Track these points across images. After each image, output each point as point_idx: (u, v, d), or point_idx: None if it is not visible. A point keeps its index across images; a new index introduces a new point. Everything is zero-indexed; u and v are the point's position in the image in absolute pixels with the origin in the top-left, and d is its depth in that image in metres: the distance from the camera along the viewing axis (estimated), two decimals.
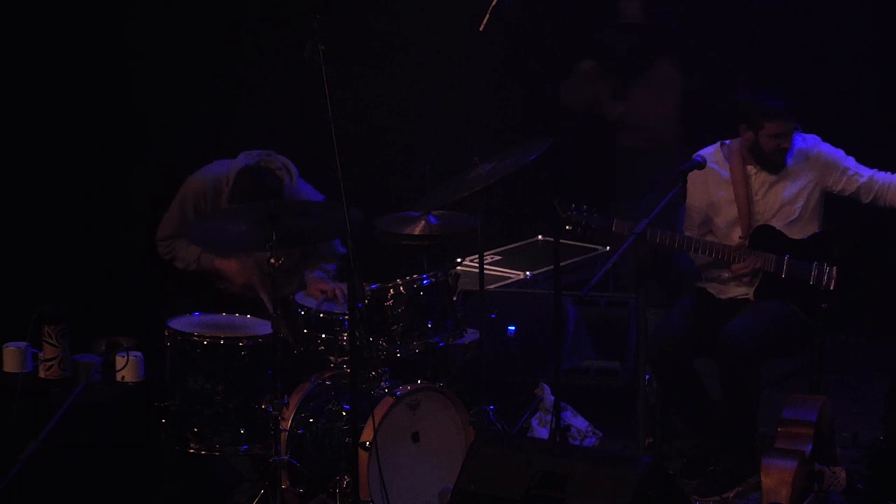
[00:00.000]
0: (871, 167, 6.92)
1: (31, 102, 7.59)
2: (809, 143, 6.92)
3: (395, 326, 6.41)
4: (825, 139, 6.96)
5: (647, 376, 6.70)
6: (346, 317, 6.24)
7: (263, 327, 6.39)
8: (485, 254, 7.18)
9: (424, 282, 6.46)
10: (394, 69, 8.35)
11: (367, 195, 6.85)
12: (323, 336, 6.46)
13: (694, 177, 6.82)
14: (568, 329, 7.38)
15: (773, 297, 6.79)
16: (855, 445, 7.04)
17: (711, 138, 7.00)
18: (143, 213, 7.21)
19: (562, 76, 8.59)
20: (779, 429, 5.97)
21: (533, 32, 8.46)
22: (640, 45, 8.47)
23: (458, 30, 7.15)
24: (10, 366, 6.51)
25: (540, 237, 8.35)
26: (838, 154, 6.92)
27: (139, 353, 6.44)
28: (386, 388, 6.36)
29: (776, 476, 5.74)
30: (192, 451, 6.34)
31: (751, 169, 6.89)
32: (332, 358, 6.48)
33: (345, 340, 6.40)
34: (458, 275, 6.69)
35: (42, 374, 6.45)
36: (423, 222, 6.76)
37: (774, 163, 6.86)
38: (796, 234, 6.86)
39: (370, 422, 6.13)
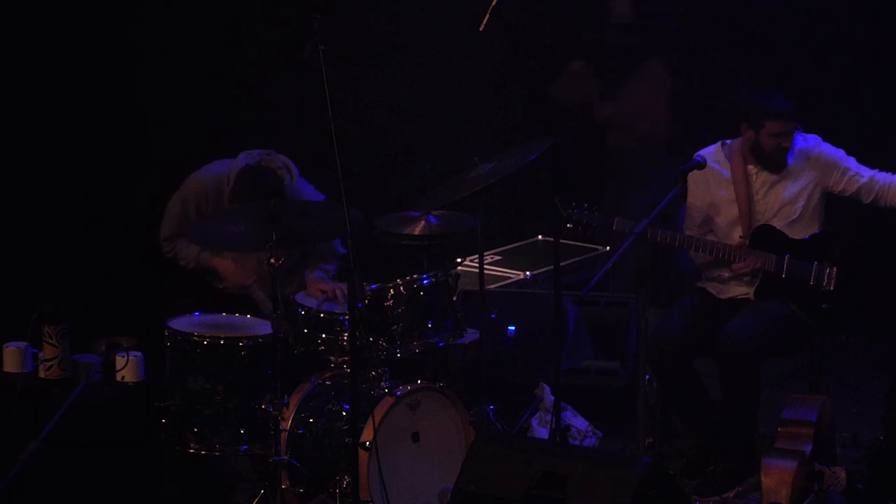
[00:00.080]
0: (872, 167, 6.92)
1: (31, 102, 7.59)
2: (810, 143, 6.92)
3: (395, 326, 6.41)
4: (825, 139, 6.96)
5: (647, 376, 6.70)
6: (346, 317, 6.24)
7: (263, 327, 6.39)
8: (485, 254, 7.18)
9: (424, 282, 6.46)
10: (394, 69, 8.35)
11: (367, 195, 6.85)
12: (323, 336, 6.46)
13: (695, 176, 6.82)
14: (568, 329, 7.38)
15: (774, 297, 6.79)
16: (855, 445, 7.04)
17: (711, 138, 7.01)
18: (143, 213, 7.21)
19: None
20: (779, 429, 5.96)
21: (533, 32, 8.47)
22: (630, 45, 8.48)
23: (458, 30, 7.14)
24: (10, 366, 6.50)
25: (540, 237, 8.35)
26: (839, 154, 6.93)
27: (139, 353, 6.44)
28: (386, 388, 6.36)
29: (776, 476, 5.74)
30: (192, 451, 6.34)
31: (752, 169, 6.89)
32: (332, 358, 6.48)
33: (345, 340, 6.40)
34: (458, 275, 6.69)
35: (42, 374, 6.44)
36: (423, 222, 6.76)
37: (775, 162, 6.86)
38: (797, 233, 6.86)
39: (370, 422, 6.13)
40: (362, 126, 8.06)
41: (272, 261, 6.09)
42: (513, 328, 7.35)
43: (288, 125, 7.75)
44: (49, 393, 6.35)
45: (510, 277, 7.71)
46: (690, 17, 8.54)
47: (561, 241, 6.91)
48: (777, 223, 6.85)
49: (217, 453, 6.37)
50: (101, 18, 7.69)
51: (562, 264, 6.85)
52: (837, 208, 6.98)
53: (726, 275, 6.90)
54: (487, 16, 6.45)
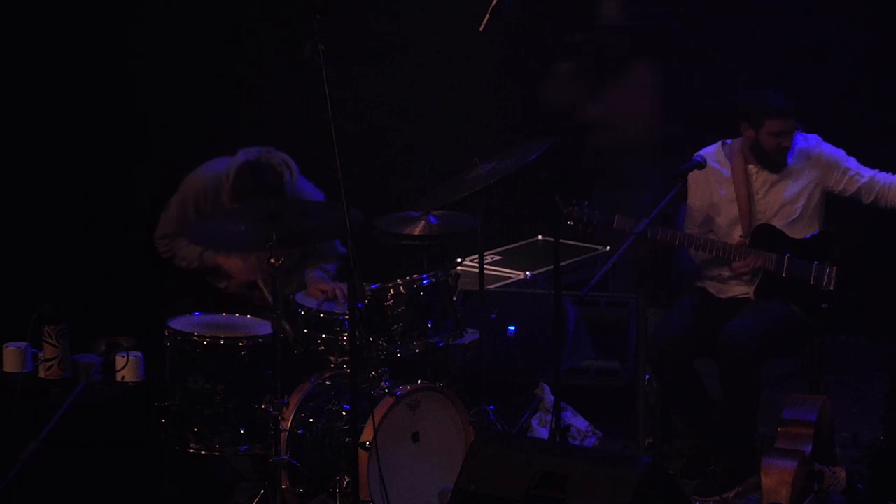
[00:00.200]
0: (872, 167, 6.92)
1: (31, 102, 7.58)
2: (811, 143, 6.92)
3: (395, 326, 6.41)
4: (825, 139, 6.96)
5: (647, 376, 6.71)
6: (346, 317, 6.24)
7: (263, 327, 6.39)
8: (485, 254, 7.18)
9: (424, 282, 6.46)
10: (394, 69, 8.35)
11: (367, 195, 6.85)
12: (323, 336, 6.45)
13: (695, 176, 6.83)
14: (568, 329, 7.38)
15: (774, 297, 6.79)
16: (855, 445, 7.04)
17: (711, 138, 7.01)
18: (143, 213, 7.20)
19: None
20: (779, 429, 5.96)
21: (533, 32, 8.47)
22: (618, 46, 8.49)
23: (458, 30, 7.14)
24: (10, 366, 6.50)
25: (540, 237, 8.35)
26: (839, 154, 6.93)
27: (139, 353, 6.44)
28: (386, 388, 6.36)
29: (776, 476, 5.73)
30: (192, 451, 6.34)
31: (752, 168, 6.90)
32: (332, 358, 6.48)
33: (345, 340, 6.40)
34: (458, 275, 6.69)
35: (42, 374, 6.44)
36: (423, 222, 6.76)
37: (775, 161, 6.86)
38: (797, 233, 6.86)
39: (370, 422, 6.13)
40: (362, 126, 8.06)
41: (272, 261, 6.09)
42: (513, 328, 7.35)
43: (288, 125, 7.74)
44: (49, 393, 6.34)
45: (510, 277, 7.71)
46: (690, 17, 8.55)
47: (561, 241, 6.91)
48: (777, 223, 6.86)
49: (217, 453, 6.36)
50: (101, 18, 7.69)
51: (562, 264, 6.86)
52: (837, 208, 6.98)
53: (726, 274, 6.90)
54: (487, 16, 6.45)
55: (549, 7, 8.61)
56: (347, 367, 6.23)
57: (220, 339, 6.33)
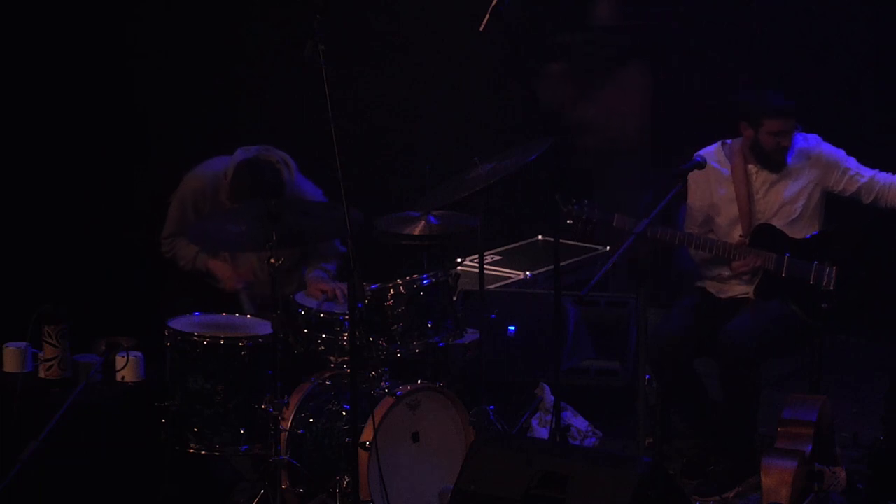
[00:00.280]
0: (872, 167, 6.92)
1: (31, 102, 7.59)
2: (811, 143, 6.93)
3: (395, 326, 6.41)
4: (825, 139, 6.96)
5: (647, 376, 6.71)
6: (346, 317, 6.24)
7: (263, 327, 6.39)
8: (485, 254, 7.18)
9: (424, 282, 6.46)
10: (394, 69, 8.35)
11: (367, 195, 6.85)
12: (323, 336, 6.45)
13: (695, 176, 6.83)
14: (568, 329, 7.38)
15: (773, 296, 6.79)
16: (855, 445, 7.04)
17: (711, 138, 7.01)
18: (143, 213, 7.21)
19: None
20: (779, 429, 5.96)
21: (533, 32, 8.47)
22: (609, 47, 8.49)
23: (458, 30, 7.14)
24: (10, 366, 6.50)
25: (540, 237, 8.35)
26: (839, 154, 6.93)
27: (139, 353, 6.44)
28: (386, 388, 6.36)
29: (776, 476, 5.73)
30: (192, 451, 6.34)
31: (752, 168, 6.90)
32: (332, 358, 6.48)
33: (345, 340, 6.40)
34: (458, 275, 6.69)
35: (42, 374, 6.44)
36: (423, 222, 6.76)
37: (775, 161, 6.86)
38: (797, 233, 6.86)
39: (370, 422, 6.13)
40: (362, 126, 8.06)
41: (272, 261, 6.09)
42: (513, 328, 7.35)
43: (288, 125, 7.74)
44: (49, 393, 6.35)
45: (510, 277, 7.71)
46: (690, 17, 8.55)
47: (561, 241, 6.91)
48: (777, 222, 6.86)
49: (217, 453, 6.36)
50: (101, 18, 7.69)
51: (562, 264, 6.85)
52: (837, 208, 6.98)
53: (726, 274, 6.90)
54: (487, 16, 6.45)
55: (549, 7, 8.61)
56: (347, 367, 6.23)
57: (220, 339, 6.33)
